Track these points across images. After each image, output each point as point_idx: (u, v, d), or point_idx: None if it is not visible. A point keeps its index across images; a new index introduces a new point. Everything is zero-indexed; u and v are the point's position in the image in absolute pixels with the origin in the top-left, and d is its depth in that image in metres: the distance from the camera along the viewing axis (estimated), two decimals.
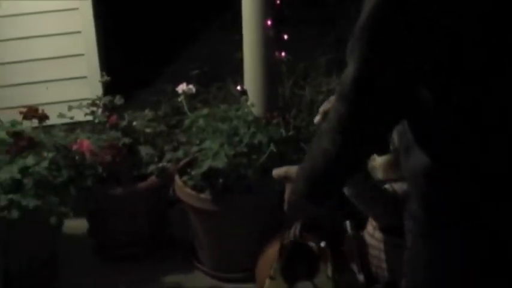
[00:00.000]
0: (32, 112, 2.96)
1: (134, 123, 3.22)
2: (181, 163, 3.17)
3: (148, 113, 3.26)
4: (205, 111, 3.22)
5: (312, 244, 1.98)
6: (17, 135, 2.78)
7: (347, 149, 1.45)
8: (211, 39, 5.18)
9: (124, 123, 3.22)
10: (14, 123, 3.09)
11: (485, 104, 1.36)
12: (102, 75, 3.27)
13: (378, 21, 1.31)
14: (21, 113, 3.01)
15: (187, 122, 3.17)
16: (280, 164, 1.95)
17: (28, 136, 2.78)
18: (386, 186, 1.98)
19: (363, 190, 1.88)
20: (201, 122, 3.17)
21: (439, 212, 1.47)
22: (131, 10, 5.16)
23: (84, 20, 4.07)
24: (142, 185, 3.10)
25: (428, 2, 1.29)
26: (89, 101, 3.27)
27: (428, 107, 1.40)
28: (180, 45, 5.09)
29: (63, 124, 3.40)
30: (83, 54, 4.11)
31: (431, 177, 1.44)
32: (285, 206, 1.67)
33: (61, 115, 3.22)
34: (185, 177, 3.06)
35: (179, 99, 3.28)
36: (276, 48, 3.31)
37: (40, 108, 3.02)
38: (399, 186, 1.99)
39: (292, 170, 1.69)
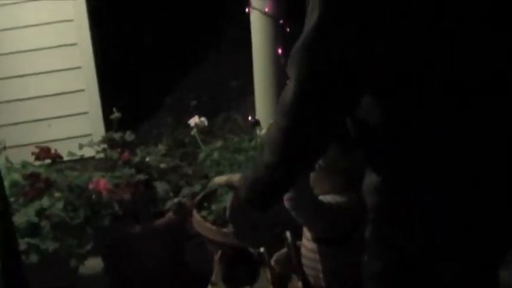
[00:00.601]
0: (44, 153, 2.89)
1: (147, 158, 3.16)
2: (198, 197, 3.11)
3: (161, 147, 3.20)
4: (219, 143, 3.18)
5: (251, 250, 1.96)
6: (34, 177, 2.71)
7: (288, 161, 1.47)
8: (206, 66, 5.14)
9: (137, 159, 3.16)
10: (25, 164, 3.03)
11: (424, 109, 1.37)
12: (113, 111, 3.20)
13: (317, 40, 1.34)
14: (33, 153, 2.93)
15: (201, 155, 3.13)
16: None
17: (45, 177, 2.70)
18: (321, 197, 2.01)
19: (306, 202, 1.90)
20: (215, 154, 3.13)
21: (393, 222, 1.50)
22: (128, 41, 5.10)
23: (83, 55, 4.02)
24: (160, 221, 3.04)
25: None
26: (99, 138, 3.20)
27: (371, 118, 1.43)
28: (175, 75, 5.03)
29: (69, 161, 3.34)
30: (83, 90, 4.06)
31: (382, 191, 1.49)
32: (227, 211, 1.64)
33: (71, 153, 3.16)
34: (204, 212, 3.00)
35: (192, 133, 3.24)
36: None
37: (52, 148, 2.95)
38: (332, 198, 2.01)
39: (234, 177, 1.68)
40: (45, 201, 2.85)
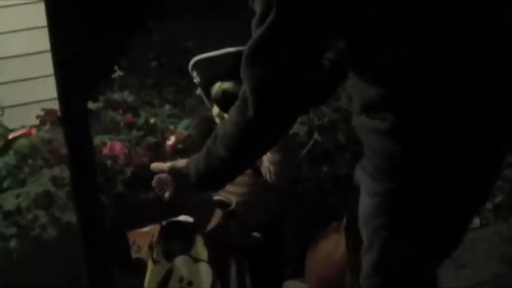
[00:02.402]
0: (51, 115, 2.62)
1: (152, 120, 2.95)
2: None
3: (167, 108, 2.99)
4: None
5: (184, 219, 2.06)
6: (53, 143, 2.44)
7: (242, 154, 1.52)
8: (161, 28, 4.91)
9: (141, 121, 2.95)
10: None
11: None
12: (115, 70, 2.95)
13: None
14: (38, 116, 2.66)
15: None
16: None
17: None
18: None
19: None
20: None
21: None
22: None
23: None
24: None
25: None
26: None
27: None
28: (132, 35, 4.77)
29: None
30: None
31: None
32: (172, 195, 1.67)
33: None
34: None
35: (197, 92, 3.05)
36: None
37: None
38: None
39: (179, 164, 1.66)
40: (56, 170, 2.59)
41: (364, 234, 1.63)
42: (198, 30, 4.77)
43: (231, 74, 1.87)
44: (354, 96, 1.55)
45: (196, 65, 1.97)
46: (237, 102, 1.46)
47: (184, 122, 2.79)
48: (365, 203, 1.59)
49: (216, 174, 1.58)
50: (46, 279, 2.59)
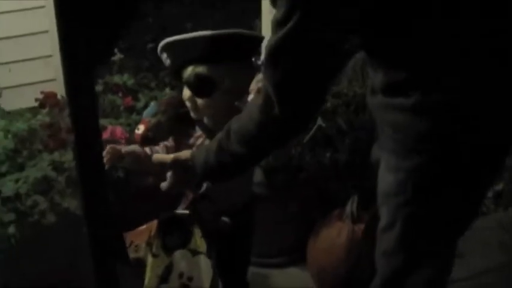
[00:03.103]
0: (51, 99, 2.56)
1: (152, 103, 2.89)
2: None
3: (167, 91, 2.94)
4: None
5: (180, 213, 2.05)
6: (53, 127, 2.39)
7: (260, 151, 1.57)
8: (158, 11, 4.83)
9: (140, 104, 2.89)
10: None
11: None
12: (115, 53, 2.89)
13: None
14: (37, 100, 2.60)
15: None
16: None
17: (66, 128, 2.39)
18: None
19: None
20: None
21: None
22: None
23: None
24: None
25: None
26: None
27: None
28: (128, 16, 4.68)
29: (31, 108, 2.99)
30: (47, 31, 3.66)
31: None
32: (172, 185, 1.70)
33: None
34: None
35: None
36: None
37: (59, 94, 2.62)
38: None
39: (182, 155, 1.68)
40: (55, 155, 2.54)
41: (385, 212, 1.64)
42: (195, 14, 4.70)
43: (205, 58, 1.87)
44: (373, 76, 1.55)
45: (167, 47, 1.93)
46: (258, 100, 1.46)
47: (149, 109, 2.70)
48: (386, 181, 1.59)
49: (227, 169, 1.60)
50: (45, 265, 2.55)
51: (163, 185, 1.73)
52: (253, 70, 2.09)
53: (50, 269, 2.56)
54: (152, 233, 2.04)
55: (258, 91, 1.88)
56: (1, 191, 2.39)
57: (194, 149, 1.80)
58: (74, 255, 2.55)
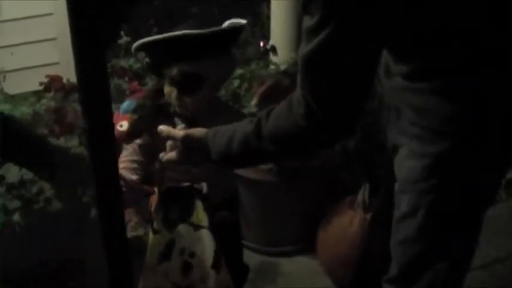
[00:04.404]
0: (57, 82, 2.50)
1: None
2: None
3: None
4: (238, 71, 2.91)
5: (183, 185, 1.95)
6: (60, 111, 2.32)
7: (295, 154, 1.59)
8: None
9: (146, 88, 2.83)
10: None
11: None
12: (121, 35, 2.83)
13: None
14: (41, 83, 2.53)
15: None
16: None
17: (73, 112, 2.33)
18: None
19: None
20: (235, 83, 2.87)
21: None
22: None
23: None
24: None
25: None
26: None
27: None
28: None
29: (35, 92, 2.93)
30: (52, 14, 3.59)
31: None
32: (177, 160, 1.63)
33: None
34: None
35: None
36: None
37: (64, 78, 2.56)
38: None
39: (197, 133, 1.61)
40: (61, 140, 2.48)
41: (405, 199, 1.59)
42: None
43: (189, 56, 1.84)
44: (392, 59, 1.51)
45: (143, 47, 1.89)
46: (294, 109, 1.42)
47: (126, 105, 2.59)
48: (408, 167, 1.55)
49: (249, 161, 1.59)
50: (50, 252, 2.50)
51: (162, 155, 1.67)
52: (235, 60, 2.07)
53: (55, 256, 2.51)
54: (153, 208, 1.97)
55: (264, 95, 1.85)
56: (6, 177, 2.34)
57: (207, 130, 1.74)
58: (80, 242, 2.50)
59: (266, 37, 3.14)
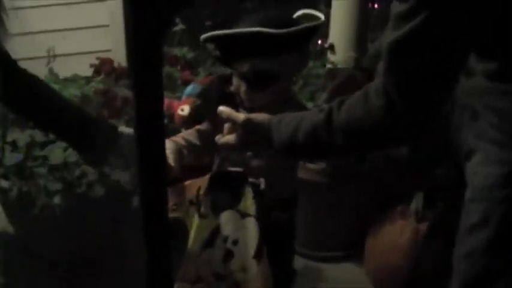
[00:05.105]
0: (107, 65, 2.43)
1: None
2: None
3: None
4: None
5: (233, 170, 1.85)
6: (108, 93, 2.25)
7: (369, 149, 1.53)
8: None
9: (198, 79, 2.75)
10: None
11: None
12: (176, 23, 2.75)
13: None
14: (92, 65, 2.47)
15: None
16: None
17: (123, 96, 2.25)
18: None
19: None
20: None
21: None
22: None
23: None
24: None
25: None
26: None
27: None
28: None
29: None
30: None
31: None
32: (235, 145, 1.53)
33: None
34: None
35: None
36: None
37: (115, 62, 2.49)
38: None
39: (260, 118, 1.51)
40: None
41: (477, 208, 1.47)
42: None
43: (263, 52, 1.74)
44: (477, 58, 1.40)
45: (214, 39, 1.78)
46: (371, 100, 1.34)
47: (190, 89, 2.50)
48: (485, 174, 1.44)
49: (315, 154, 1.54)
50: (88, 237, 2.43)
51: (219, 137, 1.56)
52: (308, 56, 1.96)
53: (93, 242, 2.44)
54: (202, 191, 1.88)
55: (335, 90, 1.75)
56: (49, 158, 2.27)
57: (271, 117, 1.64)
58: (120, 229, 2.43)
59: (324, 35, 3.03)
